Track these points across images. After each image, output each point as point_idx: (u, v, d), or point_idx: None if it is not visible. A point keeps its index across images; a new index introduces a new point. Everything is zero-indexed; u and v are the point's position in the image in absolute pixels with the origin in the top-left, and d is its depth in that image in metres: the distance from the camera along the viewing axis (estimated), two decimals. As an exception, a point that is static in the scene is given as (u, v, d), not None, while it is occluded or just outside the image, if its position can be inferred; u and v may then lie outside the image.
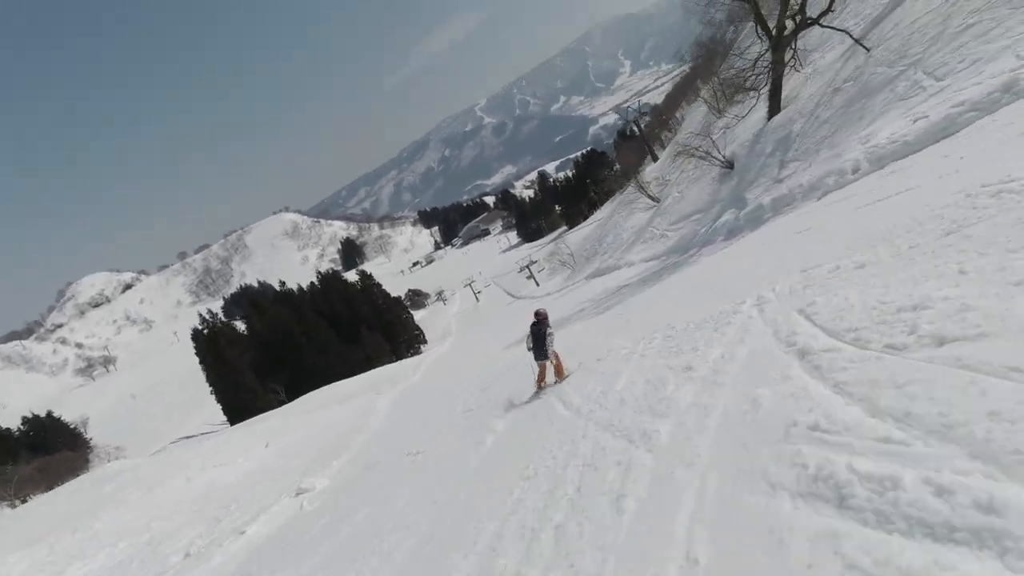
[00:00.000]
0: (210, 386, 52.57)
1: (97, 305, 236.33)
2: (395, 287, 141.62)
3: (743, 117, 20.20)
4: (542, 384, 9.82)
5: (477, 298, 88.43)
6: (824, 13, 14.26)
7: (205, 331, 53.10)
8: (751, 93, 18.65)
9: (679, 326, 7.71)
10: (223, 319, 55.66)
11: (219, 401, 52.33)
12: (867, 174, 9.28)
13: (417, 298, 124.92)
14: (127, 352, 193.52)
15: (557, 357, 9.78)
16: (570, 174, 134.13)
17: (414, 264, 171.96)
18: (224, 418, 53.08)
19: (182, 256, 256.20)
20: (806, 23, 14.28)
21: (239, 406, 51.18)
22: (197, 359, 52.97)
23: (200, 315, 55.02)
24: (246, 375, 50.09)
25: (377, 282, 63.87)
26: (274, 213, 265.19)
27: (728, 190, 16.67)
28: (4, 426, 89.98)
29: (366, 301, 59.19)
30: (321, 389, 41.30)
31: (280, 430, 16.44)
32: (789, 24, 14.70)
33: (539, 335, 9.65)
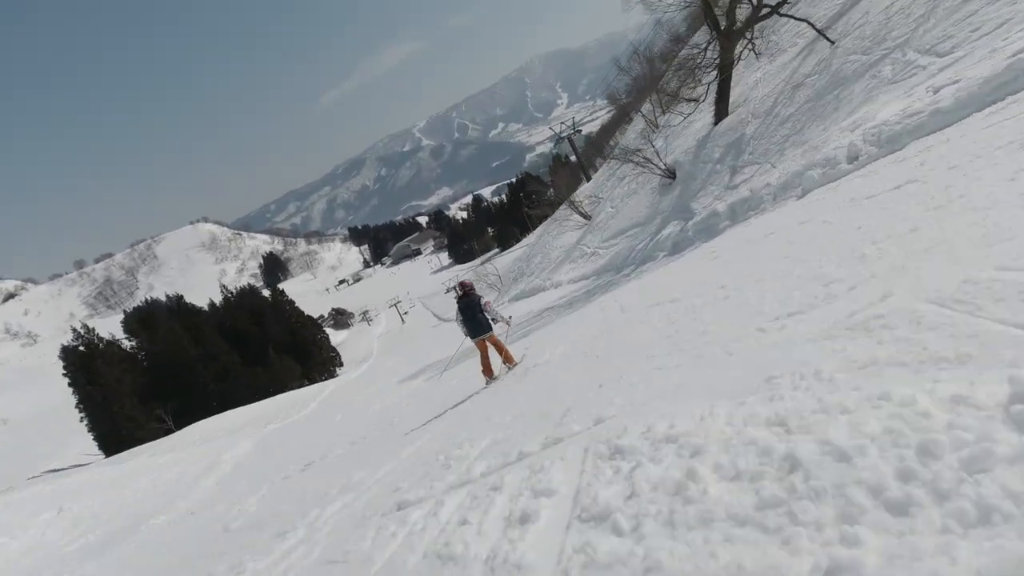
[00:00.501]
0: (80, 412, 45.48)
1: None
2: (319, 306, 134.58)
3: (685, 121, 18.54)
4: (490, 374, 8.29)
5: (403, 319, 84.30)
6: (782, 2, 12.64)
7: (80, 347, 46.15)
8: (693, 103, 17.00)
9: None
10: (112, 336, 48.64)
11: (91, 430, 45.29)
12: (875, 159, 7.18)
13: (341, 317, 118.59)
14: (4, 370, 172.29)
15: (497, 343, 8.37)
16: (504, 197, 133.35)
17: (340, 282, 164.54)
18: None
19: (79, 265, 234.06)
20: (760, 10, 12.58)
21: (115, 435, 44.52)
22: (66, 381, 45.82)
23: (73, 329, 47.83)
24: (125, 401, 43.62)
25: (291, 299, 58.69)
26: (191, 223, 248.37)
27: (670, 201, 14.68)
28: None
29: (278, 320, 53.98)
30: (210, 419, 36.15)
31: (87, 487, 12.46)
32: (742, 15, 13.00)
33: (470, 306, 8.33)
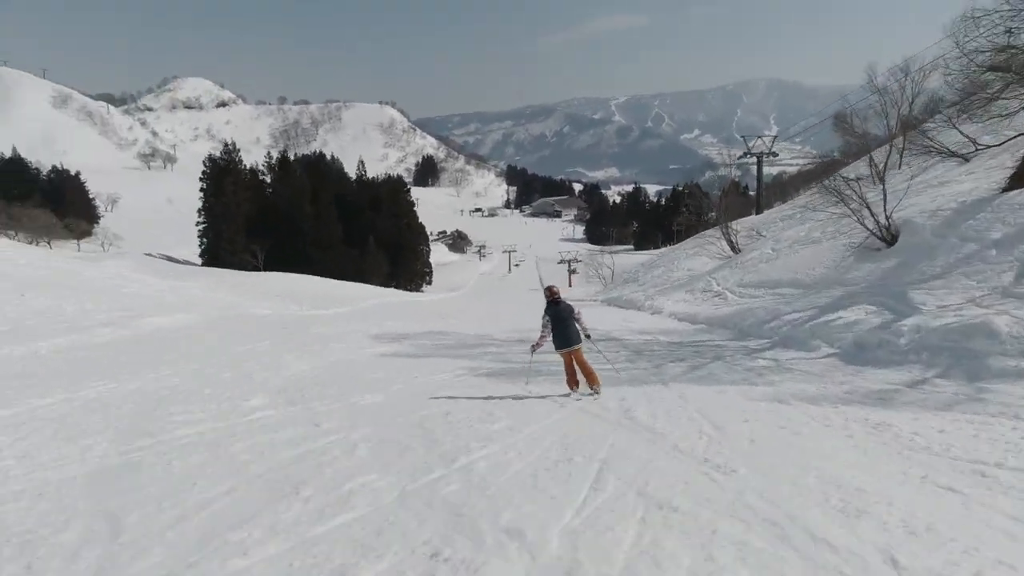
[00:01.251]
0: (199, 217, 48.30)
1: (188, 107, 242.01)
2: (447, 222, 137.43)
3: (935, 175, 12.66)
4: (575, 386, 7.30)
5: (510, 268, 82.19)
6: None
7: (221, 162, 48.66)
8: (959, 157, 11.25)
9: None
10: (247, 165, 50.92)
11: (200, 236, 48.10)
12: None
13: (460, 241, 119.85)
14: (191, 160, 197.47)
15: (583, 361, 7.24)
16: (664, 200, 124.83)
17: (476, 209, 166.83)
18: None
19: (281, 100, 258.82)
20: None
21: (214, 250, 46.88)
22: (200, 184, 48.71)
23: (225, 143, 50.59)
24: (233, 224, 45.41)
25: (412, 200, 58.02)
26: (380, 103, 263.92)
27: (873, 274, 9.51)
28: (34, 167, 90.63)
29: (391, 215, 53.51)
30: (294, 276, 36.12)
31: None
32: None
33: (562, 315, 7.29)
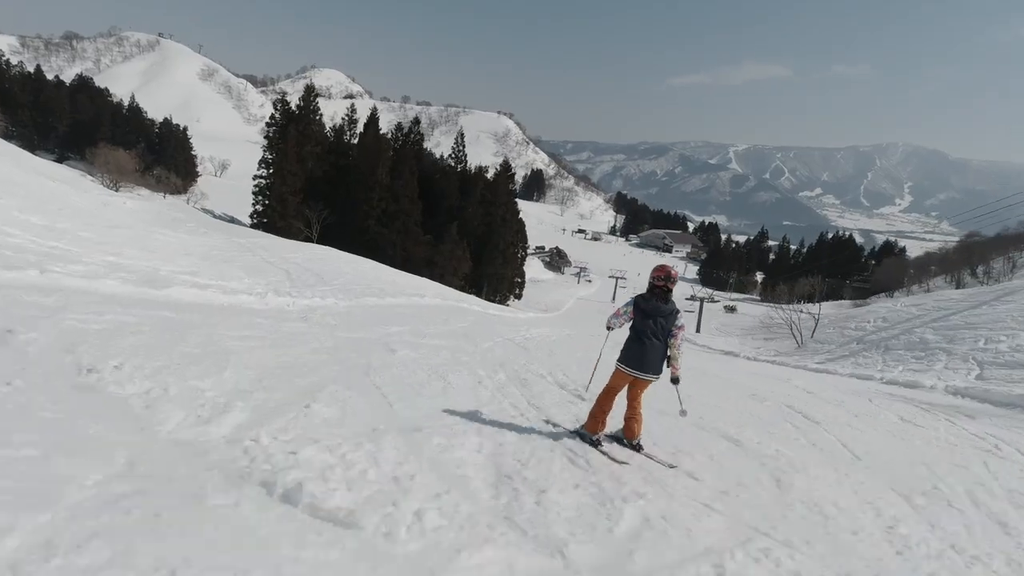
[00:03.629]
0: (260, 171, 39.79)
1: (319, 95, 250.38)
2: (547, 239, 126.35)
3: None
4: (601, 425, 4.53)
5: (615, 295, 69.06)
6: None
7: (295, 108, 40.08)
8: None
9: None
10: (324, 116, 42.32)
11: (254, 192, 39.45)
12: None
13: (559, 260, 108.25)
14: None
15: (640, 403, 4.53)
16: (804, 247, 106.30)
17: (579, 230, 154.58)
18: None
19: (405, 99, 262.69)
20: None
21: (262, 212, 37.99)
22: (266, 129, 40.31)
23: (306, 86, 42.19)
24: (289, 182, 36.22)
25: (512, 188, 46.87)
26: (498, 112, 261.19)
27: None
28: (149, 115, 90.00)
29: (483, 205, 42.51)
30: (377, 266, 25.95)
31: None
32: None
33: (662, 317, 4.40)
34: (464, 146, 44.60)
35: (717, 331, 37.82)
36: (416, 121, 44.76)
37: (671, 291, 4.53)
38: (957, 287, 60.27)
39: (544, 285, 76.84)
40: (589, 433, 4.58)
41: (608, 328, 4.77)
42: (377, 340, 8.06)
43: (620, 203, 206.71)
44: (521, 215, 49.56)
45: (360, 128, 42.72)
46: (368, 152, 38.00)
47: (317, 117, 40.62)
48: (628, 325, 4.64)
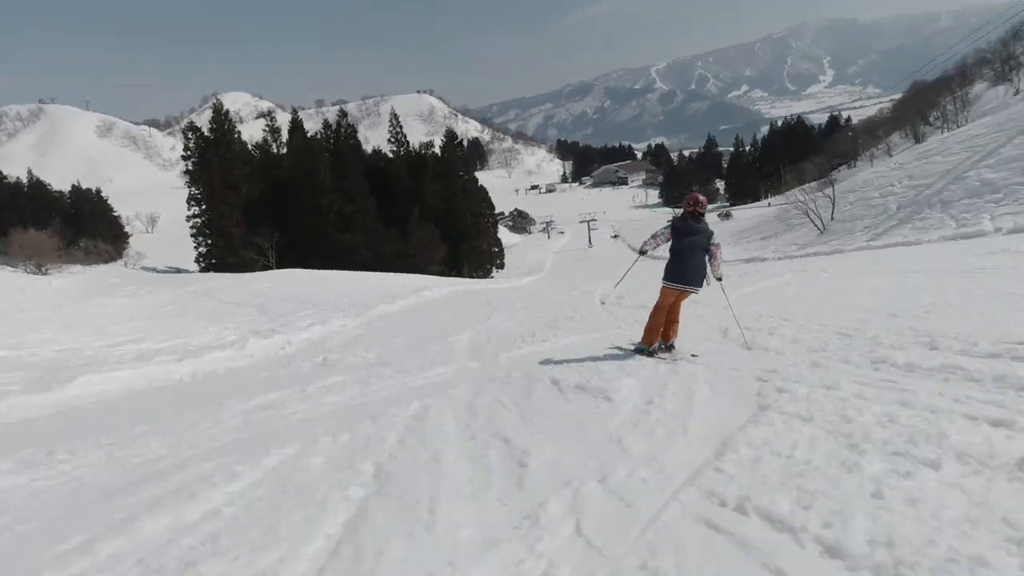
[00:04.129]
0: (190, 209, 35.94)
1: (229, 119, 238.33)
2: (503, 204, 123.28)
3: None
4: (670, 337, 5.24)
5: (591, 240, 67.18)
6: None
7: (208, 133, 36.22)
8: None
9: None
10: (243, 135, 38.56)
11: (194, 236, 35.66)
12: None
13: (521, 221, 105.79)
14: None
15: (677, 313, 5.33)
16: (749, 148, 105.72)
17: (533, 187, 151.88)
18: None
19: (319, 103, 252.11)
20: None
21: (211, 251, 34.57)
22: (185, 165, 36.46)
23: (213, 106, 38.19)
24: (227, 212, 32.79)
25: (464, 156, 44.10)
26: (417, 92, 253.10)
27: None
28: (53, 187, 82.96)
29: (441, 181, 39.63)
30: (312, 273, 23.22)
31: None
32: None
33: (699, 236, 5.02)
34: (401, 127, 41.32)
35: (728, 240, 36.19)
36: (343, 114, 41.20)
37: (703, 215, 5.12)
38: (916, 141, 60.06)
39: (517, 249, 74.28)
40: (645, 347, 5.23)
41: (641, 252, 5.27)
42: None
43: (563, 150, 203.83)
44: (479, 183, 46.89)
45: (285, 137, 39.11)
46: (303, 157, 34.63)
47: (236, 136, 36.83)
48: (666, 247, 5.12)
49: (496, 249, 43.20)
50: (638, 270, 6.25)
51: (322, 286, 16.92)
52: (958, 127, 53.10)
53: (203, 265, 34.77)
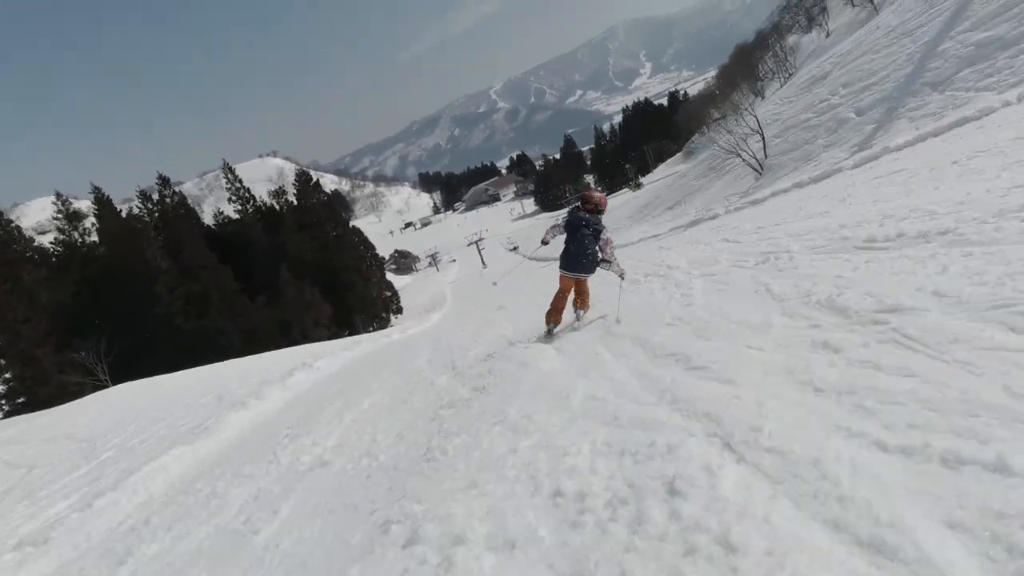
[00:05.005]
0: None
1: (42, 232, 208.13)
2: (381, 249, 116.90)
3: None
4: (557, 320, 5.78)
5: (484, 262, 63.70)
6: None
7: (-21, 238, 27.68)
8: None
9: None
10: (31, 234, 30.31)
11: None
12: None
13: (404, 261, 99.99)
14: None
15: (584, 287, 5.80)
16: (609, 130, 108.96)
17: (407, 225, 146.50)
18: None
19: (143, 196, 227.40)
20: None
21: (14, 390, 26.10)
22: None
23: (-21, 207, 29.50)
24: (24, 334, 24.74)
25: (326, 195, 38.67)
26: (260, 156, 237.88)
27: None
28: None
29: (308, 232, 33.84)
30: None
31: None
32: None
33: (583, 228, 5.53)
34: (239, 180, 34.87)
35: (628, 222, 33.88)
36: (164, 180, 33.93)
37: (594, 209, 5.63)
38: (756, 96, 63.87)
39: (408, 290, 69.11)
40: (550, 327, 5.80)
41: (544, 242, 6.00)
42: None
43: (427, 182, 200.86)
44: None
45: (91, 223, 31.27)
46: (122, 238, 27.38)
47: (13, 232, 28.58)
48: (558, 235, 5.79)
49: (389, 293, 37.88)
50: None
51: (150, 401, 11.20)
52: (790, 76, 57.12)
53: (8, 409, 26.12)
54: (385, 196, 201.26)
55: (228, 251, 31.71)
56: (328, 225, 33.78)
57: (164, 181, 33.87)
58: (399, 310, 38.34)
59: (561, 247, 5.62)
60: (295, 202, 35.84)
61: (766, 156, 18.56)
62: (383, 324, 37.05)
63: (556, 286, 5.82)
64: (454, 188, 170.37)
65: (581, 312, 5.74)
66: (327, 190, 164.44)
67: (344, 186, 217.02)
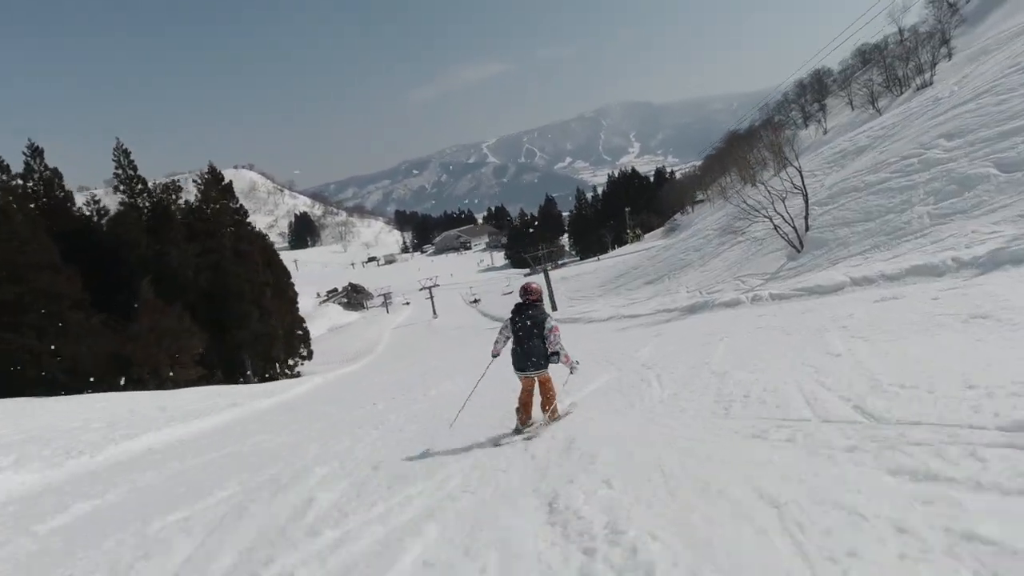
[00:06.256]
0: None
1: None
2: (338, 280, 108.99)
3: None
4: (526, 419, 5.71)
5: (435, 311, 57.23)
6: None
7: None
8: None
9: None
10: None
11: None
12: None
13: (356, 296, 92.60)
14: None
15: (547, 384, 5.70)
16: (591, 196, 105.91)
17: (370, 259, 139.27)
18: None
19: (92, 200, 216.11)
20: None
21: None
22: None
23: None
24: None
25: (237, 205, 31.97)
26: (235, 167, 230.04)
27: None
28: None
29: (200, 239, 26.92)
30: None
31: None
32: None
33: (531, 324, 5.57)
34: (130, 159, 27.99)
35: (598, 291, 28.17)
36: (36, 151, 26.88)
37: (536, 302, 5.70)
38: (751, 185, 61.33)
39: (351, 328, 61.92)
40: (519, 425, 5.72)
41: (493, 355, 5.98)
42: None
43: (402, 220, 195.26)
44: (298, 268, 34.76)
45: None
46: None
47: None
48: (507, 338, 5.77)
49: (299, 332, 30.85)
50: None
51: None
52: (784, 165, 54.51)
53: None
54: (356, 227, 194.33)
55: (94, 252, 24.68)
56: (227, 237, 27.01)
57: (35, 151, 26.91)
58: (309, 354, 31.27)
59: (512, 347, 5.68)
60: (193, 202, 29.17)
61: (807, 227, 13.16)
62: (285, 372, 29.89)
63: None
64: (428, 230, 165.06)
65: (545, 416, 5.62)
66: (296, 212, 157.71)
67: (316, 210, 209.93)
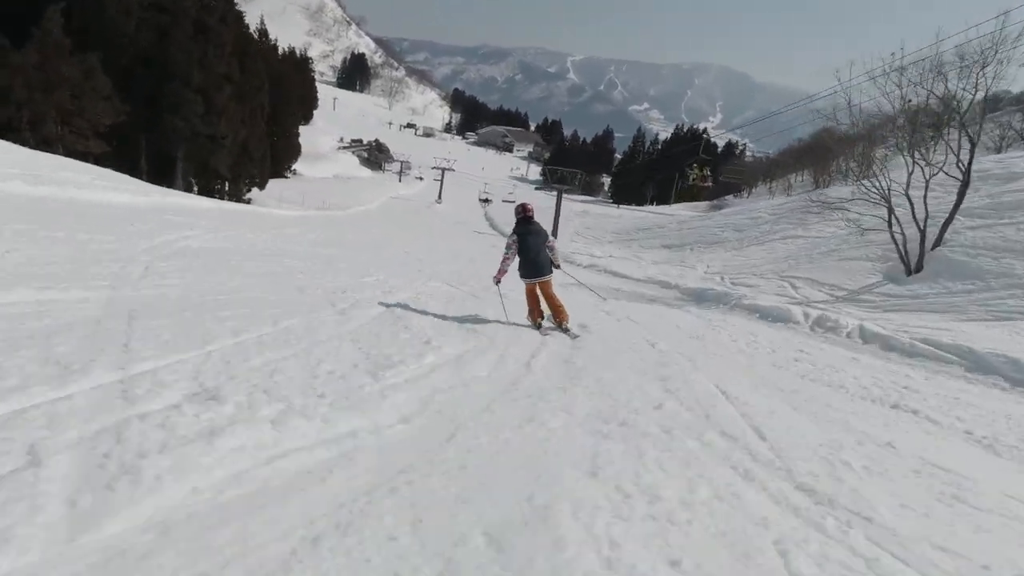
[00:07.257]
0: None
1: None
2: (370, 132, 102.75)
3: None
4: (539, 319, 6.27)
5: (440, 197, 52.17)
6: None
7: None
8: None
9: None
10: None
11: None
12: None
13: (379, 155, 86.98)
14: None
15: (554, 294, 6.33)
16: (650, 144, 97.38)
17: (408, 125, 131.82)
18: None
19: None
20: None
21: None
22: None
23: None
24: None
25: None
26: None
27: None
28: None
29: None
30: None
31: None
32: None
33: (534, 238, 6.17)
34: None
35: (593, 238, 23.12)
36: None
37: (532, 216, 6.32)
38: (817, 186, 53.71)
39: (357, 183, 57.30)
40: (533, 324, 6.28)
41: (497, 282, 6.38)
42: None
43: (456, 100, 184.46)
44: (335, 107, 29.07)
45: None
46: None
47: None
48: (515, 253, 6.18)
49: (259, 155, 25.93)
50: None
51: None
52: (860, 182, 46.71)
53: None
54: (409, 89, 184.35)
55: None
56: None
57: None
58: (292, 169, 26.59)
59: (520, 260, 6.20)
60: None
61: (939, 241, 8.06)
62: (232, 193, 25.31)
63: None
64: (478, 117, 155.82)
65: (564, 323, 6.11)
66: (356, 51, 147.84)
67: (377, 57, 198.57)
